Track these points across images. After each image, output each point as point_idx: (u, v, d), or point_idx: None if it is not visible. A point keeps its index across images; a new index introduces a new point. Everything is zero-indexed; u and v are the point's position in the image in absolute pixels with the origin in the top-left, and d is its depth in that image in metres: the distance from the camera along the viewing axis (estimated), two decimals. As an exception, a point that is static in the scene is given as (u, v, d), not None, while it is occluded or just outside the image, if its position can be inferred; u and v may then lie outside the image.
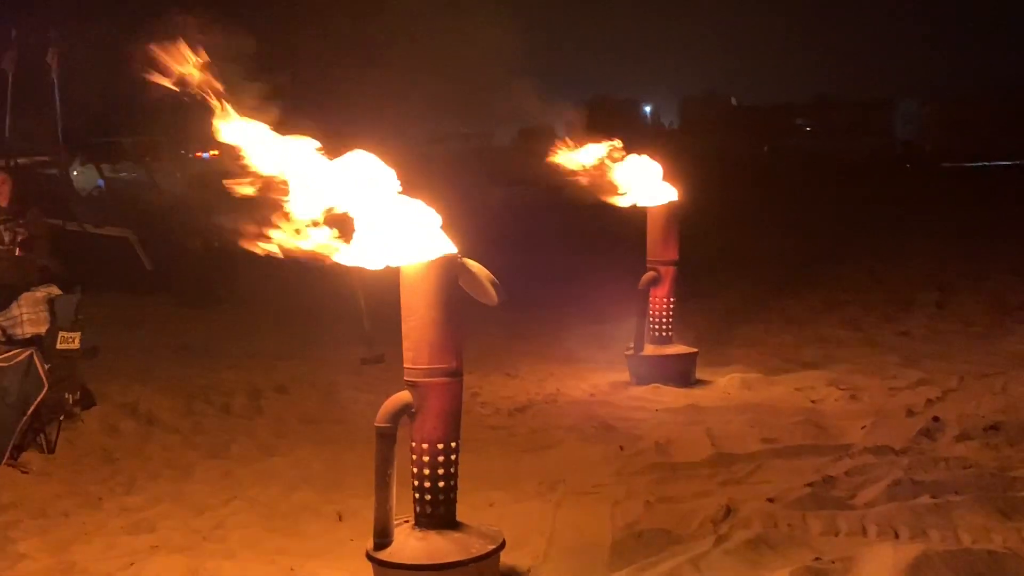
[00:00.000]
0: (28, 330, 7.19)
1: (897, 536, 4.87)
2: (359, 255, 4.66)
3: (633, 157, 9.19)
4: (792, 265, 15.42)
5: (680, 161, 9.64)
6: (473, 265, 4.87)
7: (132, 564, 5.21)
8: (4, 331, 7.17)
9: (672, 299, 8.94)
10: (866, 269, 15.10)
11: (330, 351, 10.29)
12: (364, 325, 9.99)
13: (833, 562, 4.58)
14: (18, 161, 16.51)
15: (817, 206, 24.79)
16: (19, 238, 8.71)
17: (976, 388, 7.98)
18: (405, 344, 4.65)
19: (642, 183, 9.15)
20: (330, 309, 11.52)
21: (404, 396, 4.62)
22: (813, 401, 7.87)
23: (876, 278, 14.09)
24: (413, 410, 4.62)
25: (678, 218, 8.98)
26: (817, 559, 4.63)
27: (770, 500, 5.46)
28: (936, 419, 6.96)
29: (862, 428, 6.96)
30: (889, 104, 56.97)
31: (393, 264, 4.63)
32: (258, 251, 4.69)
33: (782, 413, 7.53)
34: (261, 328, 11.88)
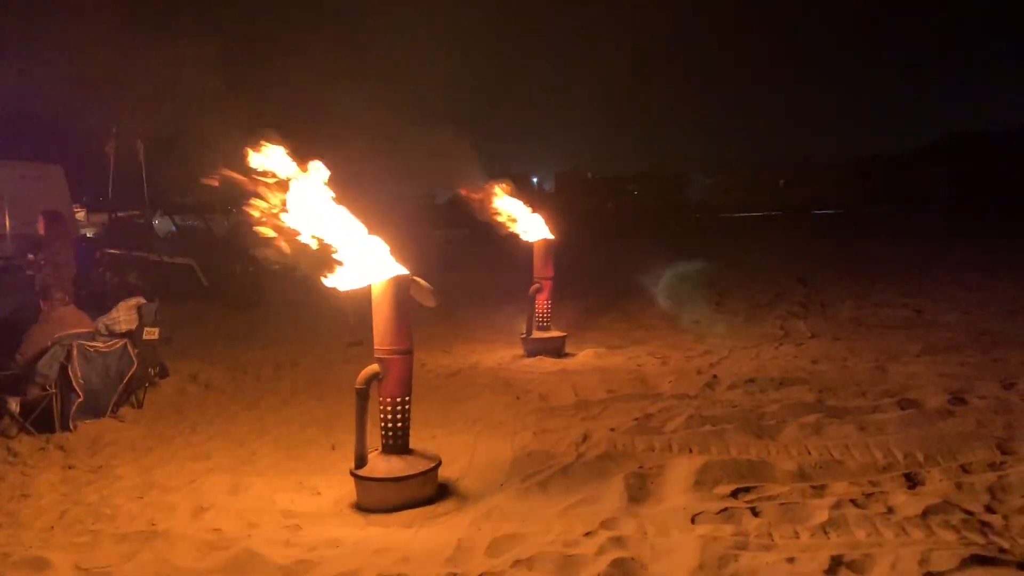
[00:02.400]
0: (123, 327, 6.97)
1: (691, 451, 4.93)
2: (347, 279, 4.64)
3: (525, 210, 9.24)
4: (626, 279, 15.55)
5: (554, 213, 9.66)
6: (420, 281, 4.83)
7: (194, 481, 5.07)
8: (107, 328, 6.93)
9: (550, 301, 8.97)
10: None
11: (326, 338, 10.13)
12: (349, 320, 9.85)
13: (651, 468, 4.63)
14: (118, 214, 16.02)
15: (641, 241, 25.07)
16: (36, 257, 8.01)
17: (740, 356, 8.12)
18: (375, 333, 4.60)
19: (531, 226, 9.19)
20: (325, 310, 11.34)
21: (374, 367, 4.57)
22: (639, 365, 7.94)
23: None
24: (380, 376, 4.57)
25: (553, 249, 9.02)
26: (641, 467, 4.67)
27: (612, 429, 5.49)
28: (715, 376, 7.08)
29: (669, 382, 7.02)
30: (686, 176, 57.76)
31: (368, 282, 4.59)
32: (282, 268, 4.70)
33: (619, 373, 7.58)
34: (280, 323, 11.65)
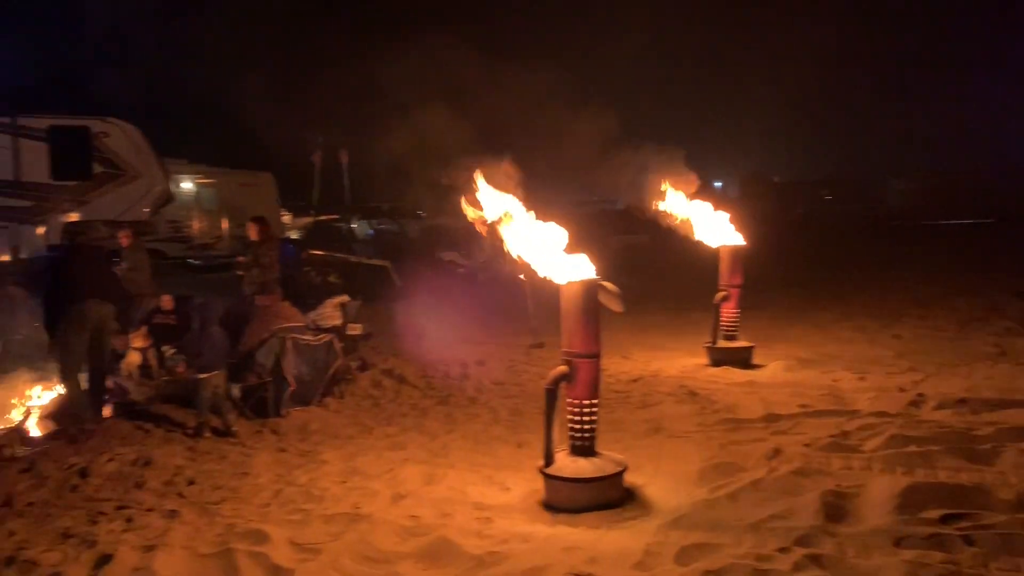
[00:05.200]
0: (330, 323, 7.55)
1: (894, 472, 4.67)
2: (549, 274, 4.85)
3: (708, 210, 9.09)
4: (818, 289, 14.86)
5: (741, 219, 9.42)
6: (608, 285, 4.90)
7: (392, 469, 5.41)
8: (315, 323, 7.52)
9: (737, 310, 8.77)
10: (869, 291, 14.41)
11: (509, 339, 10.41)
12: (532, 323, 10.08)
13: (850, 487, 4.44)
14: (321, 218, 17.31)
15: (834, 250, 23.82)
16: (246, 258, 8.44)
17: (949, 374, 7.56)
18: (564, 335, 4.72)
19: (718, 232, 9.03)
20: (508, 312, 11.68)
21: (563, 368, 4.68)
22: (834, 380, 7.58)
23: (876, 298, 13.42)
24: (569, 378, 4.67)
25: (741, 256, 8.81)
26: (838, 485, 4.49)
27: (806, 445, 5.32)
28: (920, 395, 6.63)
29: (868, 399, 6.66)
30: (883, 179, 54.21)
31: (560, 283, 4.72)
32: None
33: (812, 388, 7.28)
34: (466, 323, 12.04)
